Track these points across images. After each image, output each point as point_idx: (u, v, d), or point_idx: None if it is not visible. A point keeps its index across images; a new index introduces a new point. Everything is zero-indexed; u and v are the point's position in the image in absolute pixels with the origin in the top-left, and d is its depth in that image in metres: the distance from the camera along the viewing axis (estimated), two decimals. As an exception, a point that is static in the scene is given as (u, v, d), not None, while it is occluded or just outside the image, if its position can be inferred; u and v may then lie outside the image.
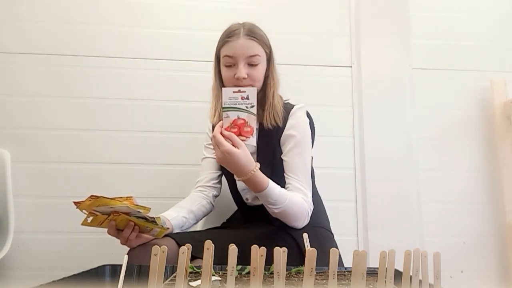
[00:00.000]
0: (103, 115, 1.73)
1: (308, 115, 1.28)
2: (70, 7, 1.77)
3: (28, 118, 1.69)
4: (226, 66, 1.20)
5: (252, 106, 1.08)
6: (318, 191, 1.36)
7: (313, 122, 1.31)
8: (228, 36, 1.20)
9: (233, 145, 1.04)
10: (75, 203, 0.94)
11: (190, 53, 1.78)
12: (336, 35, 1.88)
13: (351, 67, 1.86)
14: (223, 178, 1.38)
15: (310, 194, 1.16)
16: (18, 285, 1.58)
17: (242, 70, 1.17)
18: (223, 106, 1.08)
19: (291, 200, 1.11)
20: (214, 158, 1.41)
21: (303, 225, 1.14)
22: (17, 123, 1.69)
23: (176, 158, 1.73)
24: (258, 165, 1.08)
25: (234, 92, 1.08)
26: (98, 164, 1.70)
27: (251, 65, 1.19)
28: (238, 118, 1.08)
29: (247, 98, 1.08)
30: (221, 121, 1.08)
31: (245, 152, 1.05)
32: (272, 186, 1.09)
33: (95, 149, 1.71)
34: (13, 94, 1.70)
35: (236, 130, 1.08)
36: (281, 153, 1.22)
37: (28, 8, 1.75)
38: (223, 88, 1.11)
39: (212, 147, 1.43)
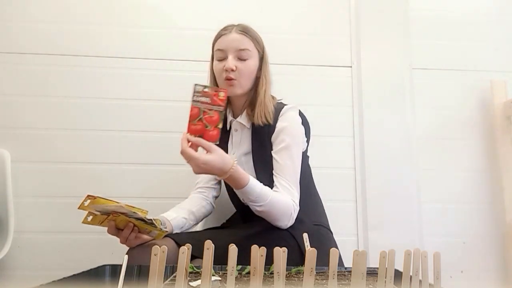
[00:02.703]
0: (103, 115, 1.73)
1: (300, 114, 1.27)
2: (70, 7, 1.77)
3: (28, 118, 1.69)
4: (218, 60, 1.24)
5: (220, 106, 1.09)
6: (318, 191, 1.36)
7: (306, 121, 1.30)
8: (222, 31, 1.25)
9: (205, 149, 1.06)
10: (89, 196, 0.94)
11: (191, 53, 1.77)
12: (336, 35, 1.88)
13: (351, 67, 1.86)
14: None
15: (297, 195, 1.15)
16: (18, 285, 1.58)
17: (231, 61, 1.20)
18: (192, 99, 1.09)
19: (274, 199, 1.10)
20: None
21: (287, 226, 1.13)
22: (17, 123, 1.69)
23: (176, 158, 1.72)
24: (235, 162, 1.08)
25: (205, 88, 1.09)
26: (98, 164, 1.70)
27: (241, 59, 1.21)
28: (204, 114, 1.08)
29: (217, 97, 1.09)
30: (184, 132, 1.08)
31: (218, 154, 1.05)
32: (253, 183, 1.10)
33: (95, 149, 1.71)
34: (13, 94, 1.70)
35: (199, 127, 1.08)
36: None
37: (28, 8, 1.75)
38: (194, 84, 1.11)
39: None
